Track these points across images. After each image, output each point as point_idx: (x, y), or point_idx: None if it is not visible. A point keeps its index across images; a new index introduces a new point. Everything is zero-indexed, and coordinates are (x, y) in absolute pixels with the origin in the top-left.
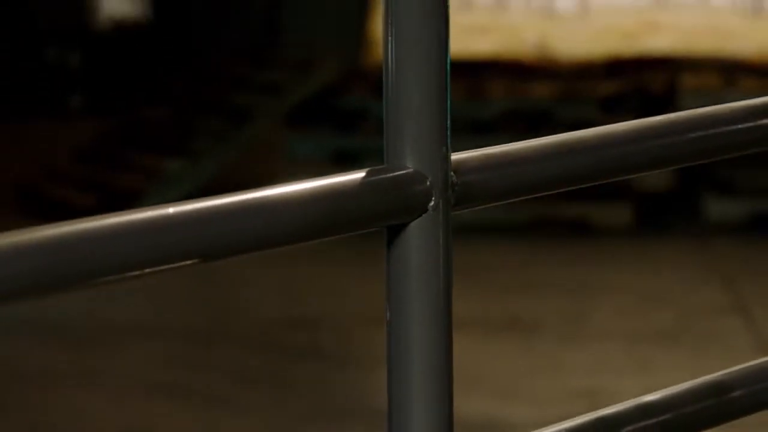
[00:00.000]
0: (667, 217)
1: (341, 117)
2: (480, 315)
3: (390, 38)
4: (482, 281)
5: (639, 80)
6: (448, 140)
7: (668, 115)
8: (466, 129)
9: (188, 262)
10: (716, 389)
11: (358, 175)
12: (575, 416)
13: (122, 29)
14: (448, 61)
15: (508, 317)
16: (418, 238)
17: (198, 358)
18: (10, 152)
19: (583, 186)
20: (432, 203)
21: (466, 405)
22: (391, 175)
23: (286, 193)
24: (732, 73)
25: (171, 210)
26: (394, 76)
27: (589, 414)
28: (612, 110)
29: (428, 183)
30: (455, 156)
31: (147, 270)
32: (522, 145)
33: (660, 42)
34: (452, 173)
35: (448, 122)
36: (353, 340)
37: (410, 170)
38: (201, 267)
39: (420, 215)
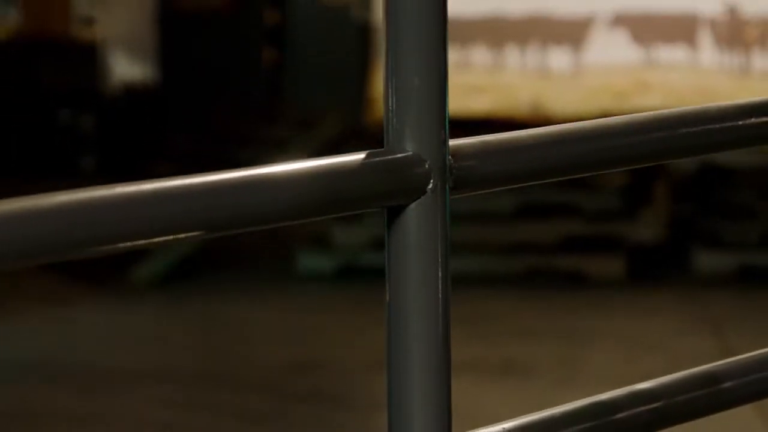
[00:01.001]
0: (658, 269)
1: None
2: (476, 359)
3: (390, 23)
4: (479, 328)
5: None
6: (447, 124)
7: (661, 111)
8: None
9: (192, 233)
10: (708, 380)
11: (359, 156)
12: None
13: (132, 92)
14: (447, 46)
15: (503, 362)
16: (417, 219)
17: (204, 399)
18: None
19: (578, 176)
20: (430, 186)
21: None
22: (391, 157)
23: (289, 170)
24: None
25: (176, 183)
26: (393, 60)
27: (584, 399)
28: None
29: (427, 166)
30: (453, 142)
31: (153, 240)
32: (519, 133)
33: (650, 101)
34: (450, 157)
35: (447, 106)
36: (355, 383)
37: (409, 153)
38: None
39: (419, 197)
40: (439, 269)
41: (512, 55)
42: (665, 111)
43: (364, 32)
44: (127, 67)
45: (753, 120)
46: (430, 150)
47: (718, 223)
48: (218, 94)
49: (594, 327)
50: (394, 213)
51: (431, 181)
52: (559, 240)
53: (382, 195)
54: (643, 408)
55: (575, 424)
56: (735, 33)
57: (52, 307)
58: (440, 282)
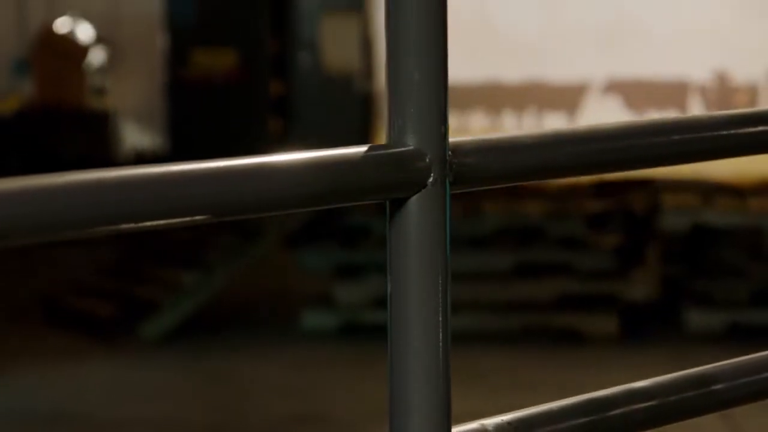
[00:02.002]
0: (650, 326)
1: (346, 233)
2: (474, 411)
3: (391, 21)
4: (477, 382)
5: (624, 200)
6: (447, 120)
7: (655, 118)
8: (464, 243)
9: (199, 217)
10: (700, 381)
11: (362, 149)
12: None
13: (143, 159)
14: (447, 43)
15: (499, 413)
16: (418, 212)
17: None
18: (37, 272)
19: (572, 177)
20: (431, 179)
21: None
22: (392, 151)
23: (294, 160)
24: (710, 193)
25: (184, 167)
26: (394, 57)
27: (580, 396)
28: (599, 227)
29: (427, 160)
30: (453, 139)
31: (159, 221)
32: (517, 134)
33: None
34: (450, 152)
35: (447, 102)
36: None
37: (411, 147)
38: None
39: (419, 190)
40: (440, 261)
41: (509, 120)
42: (658, 118)
43: (366, 100)
44: (138, 135)
45: (743, 130)
46: (430, 144)
47: (708, 282)
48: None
49: (588, 382)
50: (396, 206)
51: (432, 174)
52: (555, 298)
53: (383, 187)
54: (638, 406)
55: (572, 419)
56: (724, 99)
57: (63, 361)
58: (440, 274)
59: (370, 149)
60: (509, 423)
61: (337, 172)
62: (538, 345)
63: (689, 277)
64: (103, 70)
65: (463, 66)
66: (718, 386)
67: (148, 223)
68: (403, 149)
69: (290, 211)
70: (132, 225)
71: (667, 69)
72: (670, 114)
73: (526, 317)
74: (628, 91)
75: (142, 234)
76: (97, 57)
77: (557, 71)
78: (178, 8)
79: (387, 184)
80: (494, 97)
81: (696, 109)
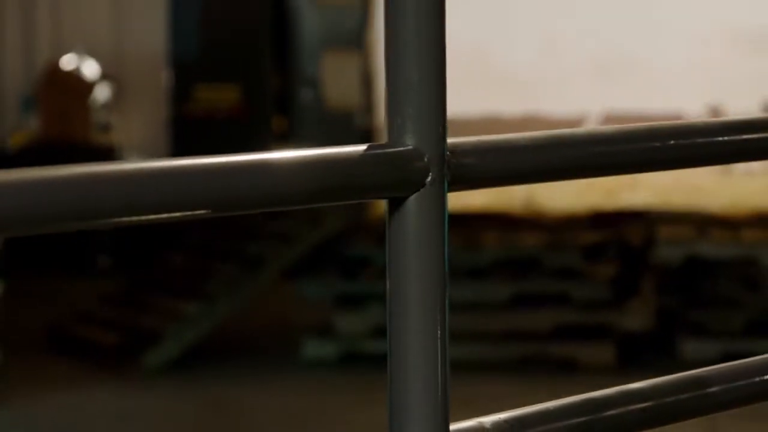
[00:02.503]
0: (646, 356)
1: (347, 264)
2: None
3: (390, 22)
4: (475, 409)
5: (619, 232)
6: (445, 121)
7: (651, 123)
8: (462, 275)
9: (198, 212)
10: (695, 384)
11: (361, 148)
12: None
13: None
14: (445, 45)
15: None
16: (416, 211)
17: None
18: (43, 302)
19: (568, 180)
20: (429, 179)
21: None
22: (391, 150)
23: (294, 157)
24: (704, 225)
25: (186, 162)
26: (393, 58)
27: (576, 396)
28: (595, 258)
29: (426, 159)
30: (451, 139)
31: (161, 215)
32: (515, 135)
33: (638, 197)
34: (448, 153)
35: (445, 103)
36: None
37: (409, 147)
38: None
39: (418, 190)
40: (438, 259)
41: None
42: (654, 123)
43: (366, 135)
44: None
45: (738, 137)
46: (429, 145)
47: (702, 312)
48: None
49: None
50: (395, 204)
51: (430, 174)
52: (552, 328)
53: (382, 186)
54: (633, 407)
55: (568, 419)
56: None
57: (68, 389)
58: (439, 272)
59: (369, 148)
60: (506, 421)
61: (336, 170)
62: (536, 374)
63: (684, 307)
64: (108, 106)
65: (463, 100)
66: (714, 389)
67: (149, 217)
68: (401, 149)
69: (289, 208)
70: (133, 218)
71: (662, 103)
72: None
73: (524, 347)
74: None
75: (145, 264)
76: (102, 93)
77: (555, 105)
78: (181, 45)
79: (386, 183)
80: (493, 130)
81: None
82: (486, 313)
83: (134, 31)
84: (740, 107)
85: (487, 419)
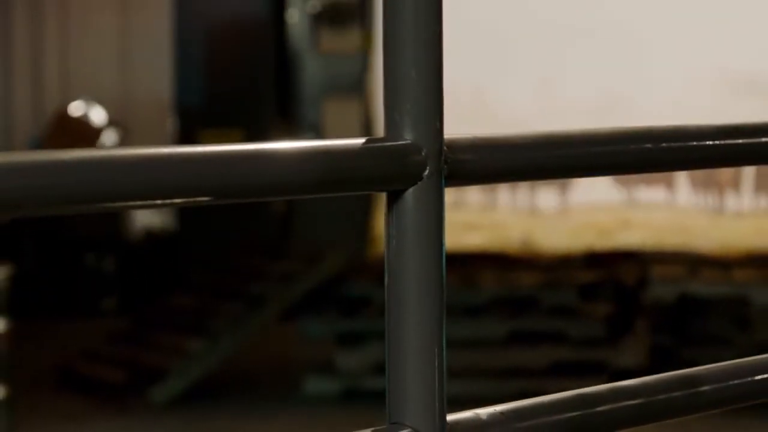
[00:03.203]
0: None
1: (347, 303)
2: None
3: (387, 20)
4: None
5: (613, 271)
6: (442, 116)
7: (645, 125)
8: (460, 313)
9: (201, 198)
10: (687, 382)
11: (360, 141)
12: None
13: (152, 236)
14: (442, 42)
15: None
16: (414, 204)
17: None
18: (51, 341)
19: (563, 179)
20: (427, 172)
21: None
22: (390, 144)
23: (295, 148)
24: (696, 265)
25: (190, 150)
26: (391, 55)
27: (570, 392)
28: (590, 297)
29: (423, 153)
30: (448, 135)
31: (165, 200)
32: (511, 134)
33: (632, 237)
34: (445, 148)
35: (442, 99)
36: None
37: (408, 141)
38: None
39: (415, 183)
40: (435, 251)
41: (503, 195)
42: (648, 126)
43: None
44: (148, 215)
45: (729, 141)
46: (426, 139)
47: (694, 349)
48: (232, 236)
49: None
50: (394, 198)
51: (427, 168)
52: (548, 365)
53: (381, 179)
54: (625, 403)
55: (561, 413)
56: (710, 176)
57: (76, 425)
58: (436, 263)
59: (368, 141)
60: (501, 413)
61: (336, 162)
62: None
63: (677, 345)
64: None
65: None
66: (705, 388)
67: (152, 202)
68: (400, 143)
69: (289, 197)
70: (138, 203)
71: None
72: (658, 190)
73: (521, 383)
74: None
75: (151, 303)
76: (109, 138)
77: None
78: (186, 91)
79: (384, 176)
80: None
81: (683, 184)
82: (483, 349)
83: (140, 78)
84: None
85: (484, 411)
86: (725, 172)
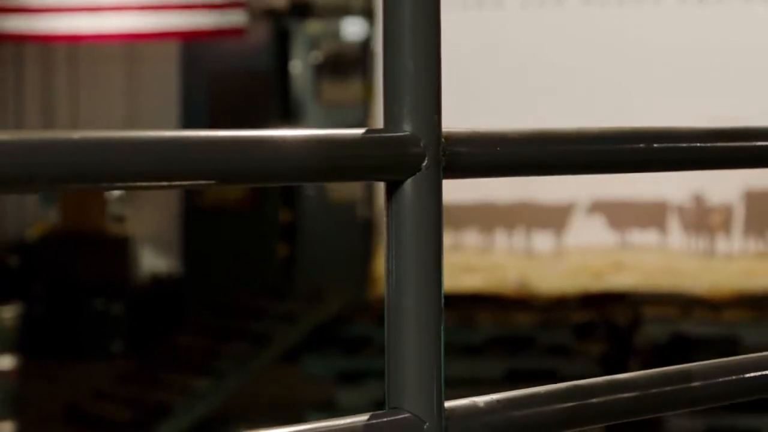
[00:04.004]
0: (633, 430)
1: (348, 342)
2: None
3: (387, 14)
4: None
5: (607, 312)
6: (440, 109)
7: (638, 126)
8: (458, 352)
9: (205, 182)
10: (680, 378)
11: (360, 131)
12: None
13: (159, 280)
14: (440, 36)
15: None
16: (413, 194)
17: None
18: (60, 382)
19: (558, 175)
20: (425, 163)
21: None
22: (389, 135)
23: (297, 136)
24: (687, 306)
25: (196, 134)
26: (391, 48)
27: (565, 383)
28: (584, 337)
29: (422, 145)
30: (446, 128)
31: (171, 182)
32: (508, 129)
33: (624, 279)
34: (443, 140)
35: (440, 92)
36: None
37: (406, 133)
38: None
39: (414, 173)
40: (434, 241)
41: (500, 238)
42: (641, 126)
43: (367, 224)
44: (154, 260)
45: (720, 144)
46: (424, 131)
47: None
48: (237, 278)
49: None
50: (393, 188)
51: (426, 159)
52: None
53: (380, 169)
54: (620, 396)
55: (556, 403)
56: (700, 219)
57: None
58: (435, 252)
59: (367, 132)
60: (499, 401)
61: (336, 150)
62: None
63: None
64: (122, 198)
65: (459, 188)
66: (697, 383)
67: (159, 183)
68: (399, 134)
69: (291, 183)
70: (143, 183)
71: (647, 190)
72: (650, 233)
73: None
74: (611, 210)
75: (157, 343)
76: None
77: (545, 192)
78: None
79: (383, 166)
80: (487, 216)
81: (675, 227)
82: (480, 388)
83: (147, 125)
84: (721, 194)
85: (481, 399)
86: (716, 215)
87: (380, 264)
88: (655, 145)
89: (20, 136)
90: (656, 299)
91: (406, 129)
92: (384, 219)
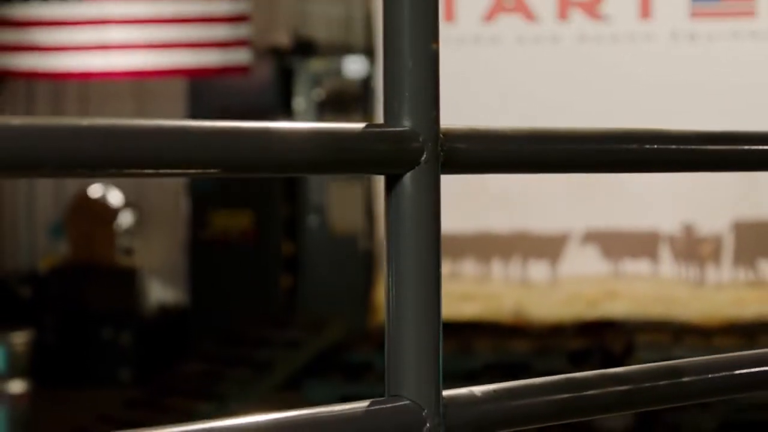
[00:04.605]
0: None
1: (349, 369)
2: None
3: (387, 12)
4: None
5: (601, 338)
6: (438, 106)
7: (631, 127)
8: (456, 378)
9: (209, 171)
10: (671, 373)
11: (361, 126)
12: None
13: (166, 311)
14: (438, 35)
15: None
16: (412, 187)
17: None
18: (68, 406)
19: (552, 173)
20: (424, 157)
21: None
22: (389, 130)
23: (300, 128)
24: (679, 333)
25: (202, 124)
26: (391, 46)
27: (560, 375)
28: (579, 363)
29: (420, 140)
30: (444, 124)
31: (177, 170)
32: (505, 127)
33: (618, 307)
34: (441, 135)
35: (438, 89)
36: None
37: (406, 128)
38: None
39: (413, 167)
40: (432, 232)
41: (498, 267)
42: (633, 128)
43: (367, 255)
44: (162, 291)
45: (708, 147)
46: (423, 126)
47: (677, 414)
48: (241, 308)
49: None
50: (393, 181)
51: (425, 153)
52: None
53: (380, 162)
54: (611, 389)
55: (550, 395)
56: (691, 249)
57: None
58: (433, 244)
59: (368, 126)
60: (495, 391)
61: (338, 143)
62: None
63: (661, 409)
64: (130, 231)
65: (458, 218)
66: (687, 379)
67: (165, 171)
68: (399, 129)
69: (293, 174)
70: (151, 171)
71: (639, 221)
72: (642, 262)
73: None
74: (605, 241)
75: (163, 370)
76: (125, 220)
77: (541, 223)
78: None
79: (383, 160)
80: (484, 246)
81: (666, 257)
82: None
83: None
84: (711, 225)
85: (479, 388)
86: (706, 246)
87: (380, 293)
88: (646, 146)
89: (32, 122)
90: (648, 326)
91: (406, 125)
92: (384, 211)
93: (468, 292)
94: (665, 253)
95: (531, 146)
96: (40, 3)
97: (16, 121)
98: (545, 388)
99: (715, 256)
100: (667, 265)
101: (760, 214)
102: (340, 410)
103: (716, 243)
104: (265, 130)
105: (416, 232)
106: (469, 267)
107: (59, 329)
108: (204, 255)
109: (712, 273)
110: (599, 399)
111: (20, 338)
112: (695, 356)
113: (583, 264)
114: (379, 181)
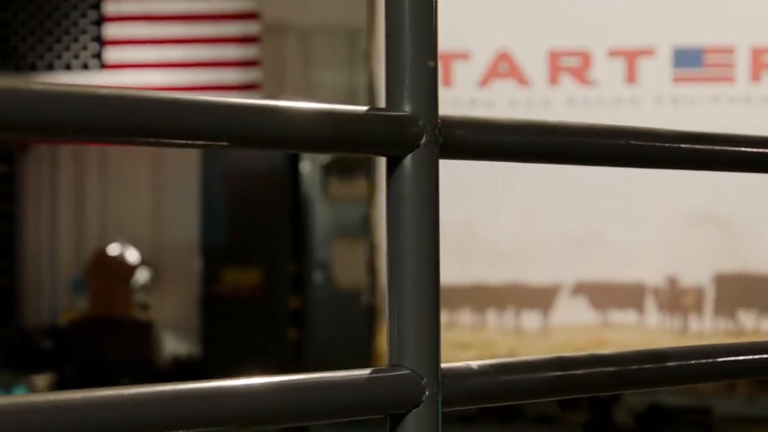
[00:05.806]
0: None
1: None
2: None
3: (390, 6)
4: None
5: None
6: (437, 92)
7: (619, 124)
8: (452, 422)
9: (218, 143)
10: (658, 357)
11: (364, 109)
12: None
13: (180, 363)
14: (437, 26)
15: None
16: (411, 169)
17: None
18: None
19: (545, 164)
20: (423, 140)
21: None
22: (390, 113)
23: (305, 107)
24: None
25: (212, 99)
26: (393, 35)
27: (550, 355)
28: (568, 408)
29: (420, 123)
30: (443, 112)
31: (186, 141)
32: (501, 118)
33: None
34: (440, 120)
35: (437, 77)
36: None
37: (406, 112)
38: None
39: (413, 150)
40: (431, 213)
41: (492, 317)
42: (623, 125)
43: (369, 308)
44: (176, 344)
45: (692, 146)
46: (423, 111)
47: None
48: (251, 358)
49: None
50: (393, 163)
51: (424, 136)
52: None
53: (382, 144)
54: (601, 369)
55: (544, 371)
56: (675, 299)
57: None
58: (431, 224)
59: (370, 110)
60: (491, 365)
61: (342, 125)
62: None
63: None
64: (146, 287)
65: (453, 272)
66: (672, 363)
67: (177, 141)
68: (399, 113)
69: (297, 151)
70: (164, 140)
71: (625, 274)
72: (629, 313)
73: None
74: (594, 292)
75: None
76: (141, 276)
77: (533, 275)
78: (211, 234)
79: (385, 141)
80: (479, 297)
81: (651, 308)
82: None
83: (170, 224)
84: (694, 277)
85: (476, 363)
86: (689, 296)
87: (382, 343)
88: (632, 142)
89: (57, 88)
90: None
91: (406, 109)
92: (385, 192)
93: (465, 340)
94: (650, 304)
95: (525, 137)
96: None
97: (38, 86)
98: (538, 366)
99: (697, 306)
100: (652, 315)
101: (739, 267)
102: (343, 376)
103: (698, 294)
104: (274, 108)
105: (416, 211)
106: (465, 317)
107: (78, 377)
108: (215, 309)
109: (694, 322)
110: (589, 378)
111: (42, 381)
112: (679, 400)
113: (573, 314)
114: (381, 239)
